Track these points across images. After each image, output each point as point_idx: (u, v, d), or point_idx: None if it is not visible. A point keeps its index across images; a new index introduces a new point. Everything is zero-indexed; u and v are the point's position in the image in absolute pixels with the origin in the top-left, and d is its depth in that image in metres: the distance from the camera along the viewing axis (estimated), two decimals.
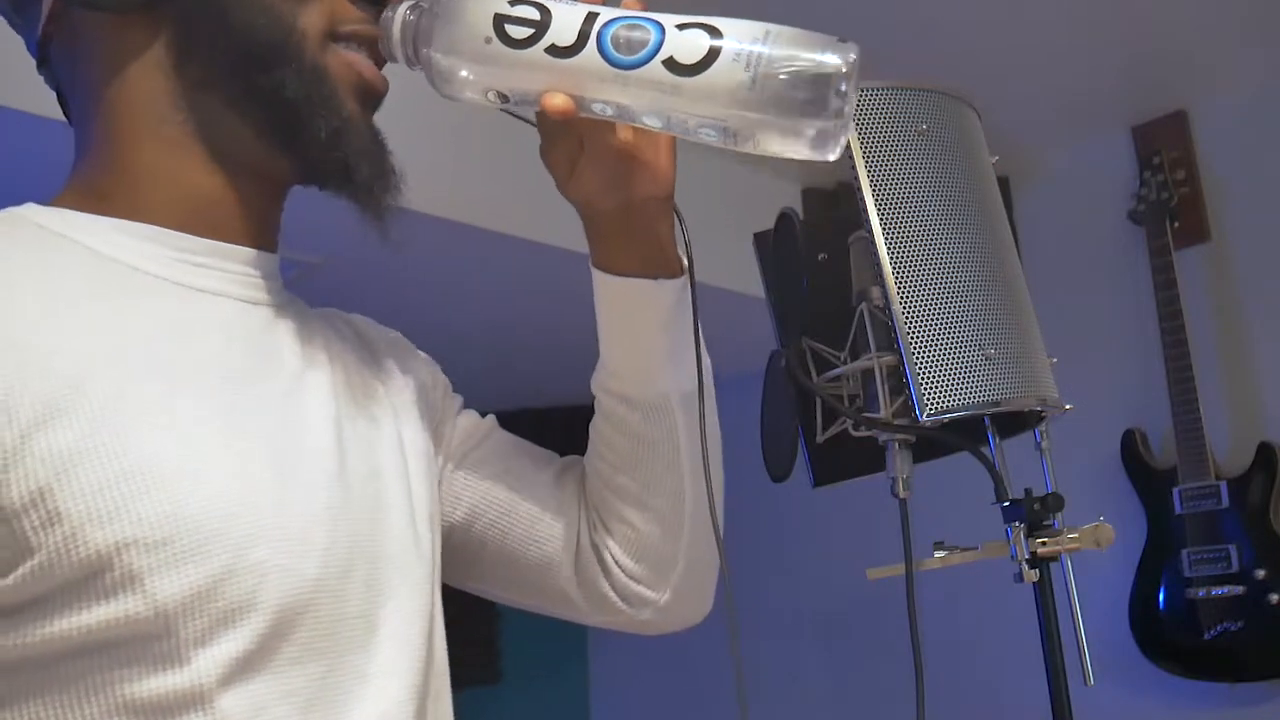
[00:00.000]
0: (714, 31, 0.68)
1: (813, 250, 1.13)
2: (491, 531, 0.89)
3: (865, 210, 1.00)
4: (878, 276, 0.99)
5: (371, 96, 0.76)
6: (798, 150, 0.68)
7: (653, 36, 0.68)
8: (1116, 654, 2.43)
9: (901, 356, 0.98)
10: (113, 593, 0.60)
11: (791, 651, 3.17)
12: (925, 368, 0.97)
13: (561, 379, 3.06)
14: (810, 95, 0.66)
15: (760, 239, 1.16)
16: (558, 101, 0.69)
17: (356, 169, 0.73)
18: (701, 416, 0.83)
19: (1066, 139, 2.76)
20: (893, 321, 0.98)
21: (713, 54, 0.67)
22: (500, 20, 0.69)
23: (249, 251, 0.75)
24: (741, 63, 0.67)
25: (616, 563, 0.88)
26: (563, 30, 0.69)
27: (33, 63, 0.78)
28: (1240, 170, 2.58)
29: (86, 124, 0.74)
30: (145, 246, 0.71)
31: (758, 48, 0.67)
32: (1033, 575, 1.02)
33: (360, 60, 0.75)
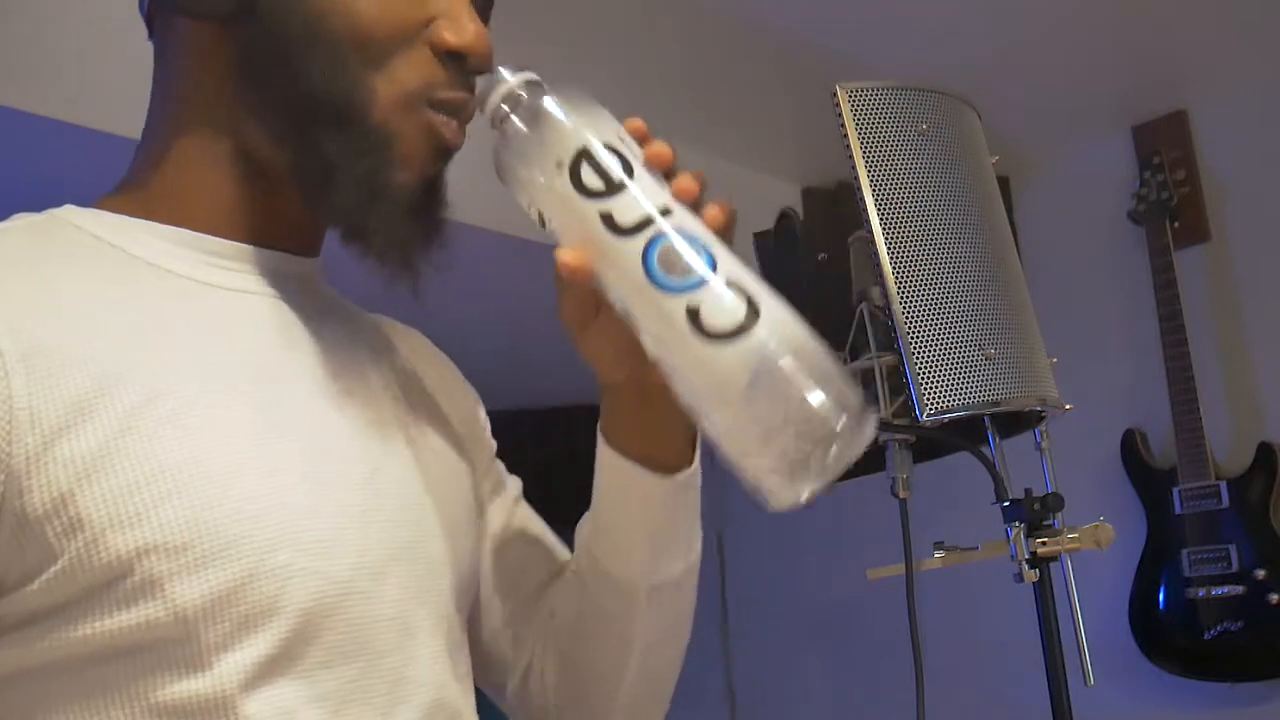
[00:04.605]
0: (754, 309, 0.60)
1: (813, 250, 1.13)
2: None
3: (865, 210, 1.00)
4: (878, 276, 0.99)
5: (444, 155, 0.74)
6: (759, 480, 0.62)
7: (696, 274, 0.61)
8: (1116, 654, 2.43)
9: (901, 356, 0.98)
10: (134, 598, 0.60)
11: (791, 651, 3.17)
12: (925, 368, 0.97)
13: (565, 379, 3.04)
14: (795, 433, 0.58)
15: (760, 239, 1.16)
16: (569, 259, 0.64)
17: (374, 236, 0.71)
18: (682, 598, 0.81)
19: (1066, 139, 2.75)
20: (893, 321, 0.98)
21: (739, 331, 0.59)
22: (581, 158, 0.64)
23: (283, 255, 0.75)
24: (753, 360, 0.59)
25: (551, 698, 0.87)
26: (627, 208, 0.63)
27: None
28: (1240, 170, 2.58)
29: (151, 117, 0.75)
30: (177, 249, 0.71)
31: (784, 349, 0.59)
32: (1033, 575, 1.02)
33: (446, 123, 0.72)
